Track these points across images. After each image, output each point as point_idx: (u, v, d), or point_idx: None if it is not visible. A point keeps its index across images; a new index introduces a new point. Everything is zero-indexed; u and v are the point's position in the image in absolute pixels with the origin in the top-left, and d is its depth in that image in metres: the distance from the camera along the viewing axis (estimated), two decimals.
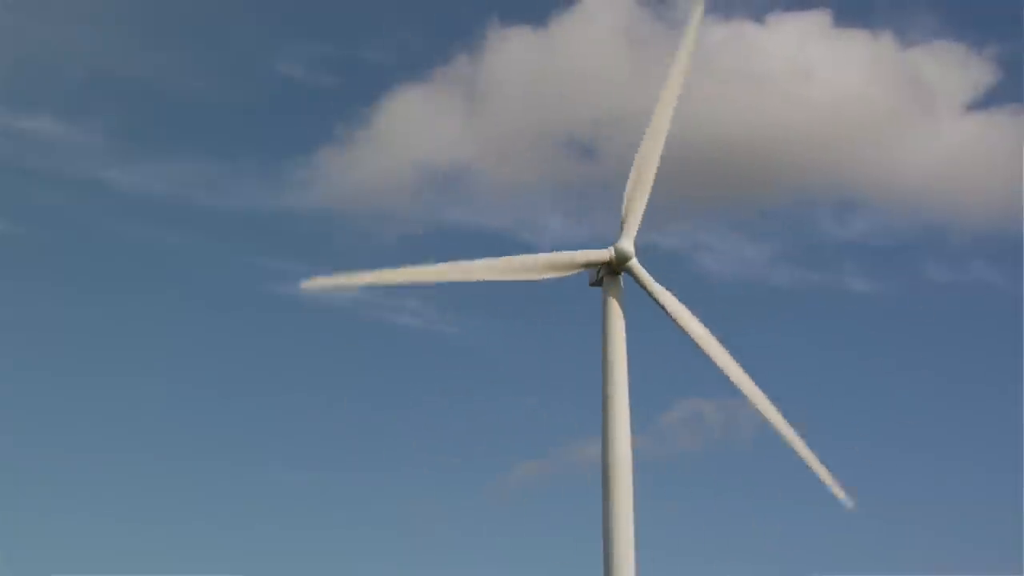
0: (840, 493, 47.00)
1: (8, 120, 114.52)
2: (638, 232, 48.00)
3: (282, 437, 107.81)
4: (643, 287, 47.53)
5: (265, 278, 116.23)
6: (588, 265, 47.77)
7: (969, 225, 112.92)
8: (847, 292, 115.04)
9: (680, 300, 48.08)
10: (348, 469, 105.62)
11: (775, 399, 47.83)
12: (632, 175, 48.37)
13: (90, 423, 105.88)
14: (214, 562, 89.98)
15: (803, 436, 47.44)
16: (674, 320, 47.63)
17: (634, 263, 47.46)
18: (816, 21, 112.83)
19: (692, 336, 47.60)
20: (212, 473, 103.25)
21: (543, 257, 47.46)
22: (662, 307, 47.64)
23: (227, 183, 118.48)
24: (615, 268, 47.43)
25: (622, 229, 47.78)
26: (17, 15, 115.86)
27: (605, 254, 47.50)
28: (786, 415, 47.56)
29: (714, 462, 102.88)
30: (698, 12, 49.97)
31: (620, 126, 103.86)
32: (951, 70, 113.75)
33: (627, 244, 47.43)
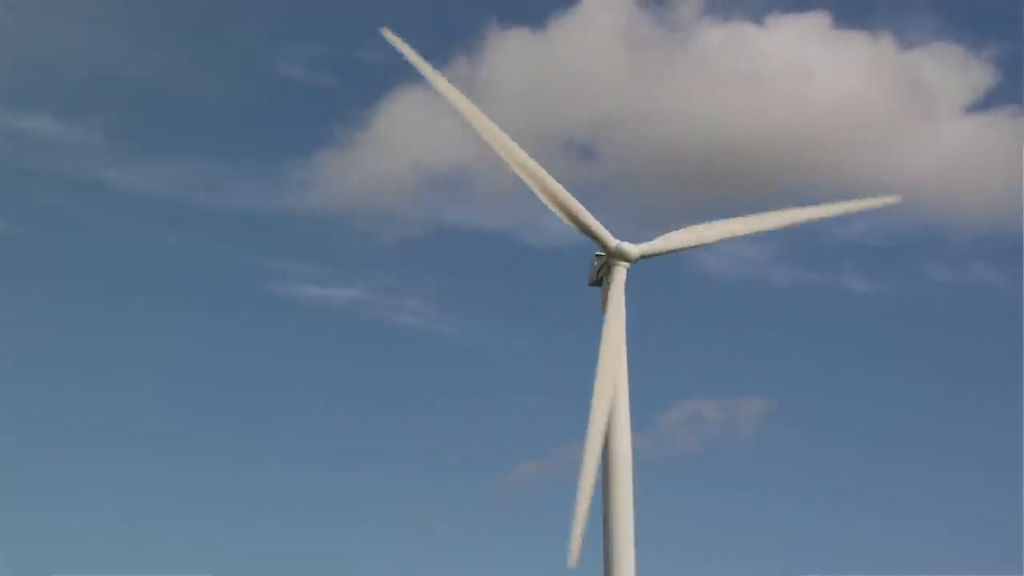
0: (575, 551, 42.36)
1: (8, 120, 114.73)
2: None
3: (282, 437, 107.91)
4: (610, 290, 46.70)
5: (264, 278, 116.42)
6: (589, 233, 47.09)
7: (969, 226, 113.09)
8: (847, 292, 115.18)
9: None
10: (348, 469, 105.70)
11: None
12: (715, 227, 48.41)
13: (90, 423, 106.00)
14: (214, 562, 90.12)
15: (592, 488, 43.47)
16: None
17: (623, 267, 47.02)
18: (815, 22, 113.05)
19: (601, 353, 45.75)
20: (212, 473, 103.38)
21: (567, 196, 46.68)
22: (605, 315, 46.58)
23: (227, 183, 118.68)
24: (609, 260, 47.14)
25: (652, 239, 47.56)
26: (17, 15, 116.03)
27: (610, 240, 47.16)
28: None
29: (714, 462, 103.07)
30: None
31: (619, 127, 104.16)
32: (950, 71, 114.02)
33: (634, 249, 47.06)
